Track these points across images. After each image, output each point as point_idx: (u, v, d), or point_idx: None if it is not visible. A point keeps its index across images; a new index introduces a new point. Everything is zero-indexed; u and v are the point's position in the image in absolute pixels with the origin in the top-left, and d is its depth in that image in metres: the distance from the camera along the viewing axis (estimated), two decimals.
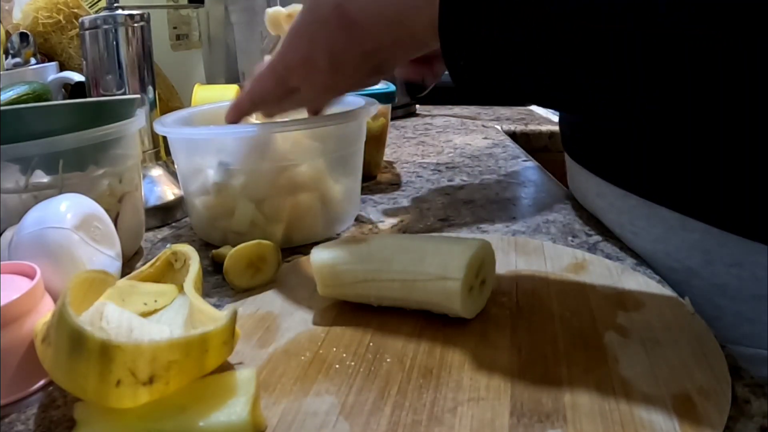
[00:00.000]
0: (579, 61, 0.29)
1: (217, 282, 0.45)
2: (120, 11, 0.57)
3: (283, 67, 0.42)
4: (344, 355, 0.33)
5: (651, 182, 0.44)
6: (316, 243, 0.51)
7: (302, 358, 0.33)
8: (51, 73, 0.88)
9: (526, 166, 0.77)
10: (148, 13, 0.60)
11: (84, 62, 0.59)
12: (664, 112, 0.29)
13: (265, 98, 0.45)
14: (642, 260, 0.45)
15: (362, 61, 0.39)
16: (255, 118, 0.59)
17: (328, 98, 0.47)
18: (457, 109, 1.24)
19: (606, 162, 0.49)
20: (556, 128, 1.07)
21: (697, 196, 0.40)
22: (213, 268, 0.48)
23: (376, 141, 0.69)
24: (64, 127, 0.44)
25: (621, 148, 0.46)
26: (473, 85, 0.33)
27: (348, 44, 0.38)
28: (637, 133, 0.43)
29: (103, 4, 0.61)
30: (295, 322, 0.37)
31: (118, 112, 0.51)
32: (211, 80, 1.00)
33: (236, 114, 0.47)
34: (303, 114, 0.50)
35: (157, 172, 0.62)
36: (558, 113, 0.62)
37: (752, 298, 0.39)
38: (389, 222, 0.56)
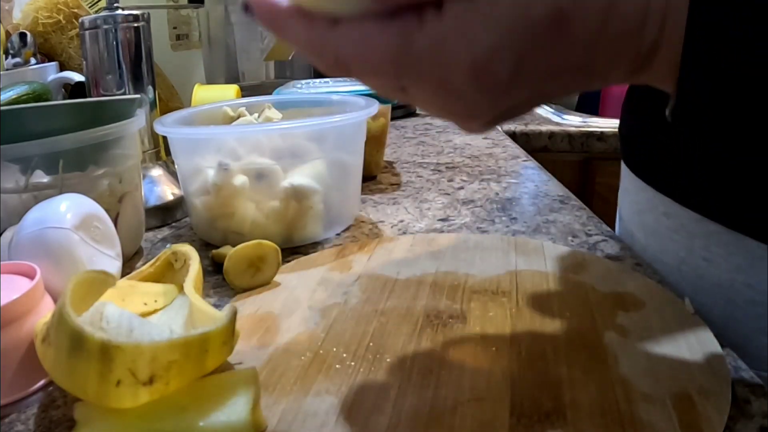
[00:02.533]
0: None
1: (217, 282, 0.45)
2: (120, 11, 0.57)
3: (429, 65, 0.25)
4: (344, 355, 0.33)
5: (737, 210, 0.39)
6: (316, 243, 0.52)
7: (302, 358, 0.33)
8: (51, 73, 0.88)
9: (526, 166, 0.77)
10: (148, 13, 0.60)
11: (84, 62, 0.59)
12: None
13: (362, 72, 0.27)
14: (642, 260, 0.45)
15: (548, 79, 0.27)
16: (257, 119, 0.59)
17: (453, 119, 0.30)
18: None
19: (681, 184, 0.44)
20: (556, 128, 1.07)
21: None
22: (213, 268, 0.48)
23: (376, 141, 0.69)
24: (64, 127, 0.44)
25: (703, 172, 0.41)
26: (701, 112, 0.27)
27: (539, 58, 0.25)
28: (726, 160, 0.38)
29: (103, 4, 0.61)
30: (295, 322, 0.37)
31: (118, 112, 0.51)
32: (211, 80, 1.00)
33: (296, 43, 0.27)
34: (303, 114, 0.50)
35: (157, 172, 0.62)
36: (620, 121, 0.54)
37: None
38: (389, 222, 0.56)
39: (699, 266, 0.43)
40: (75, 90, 0.83)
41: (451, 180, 0.70)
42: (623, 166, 0.55)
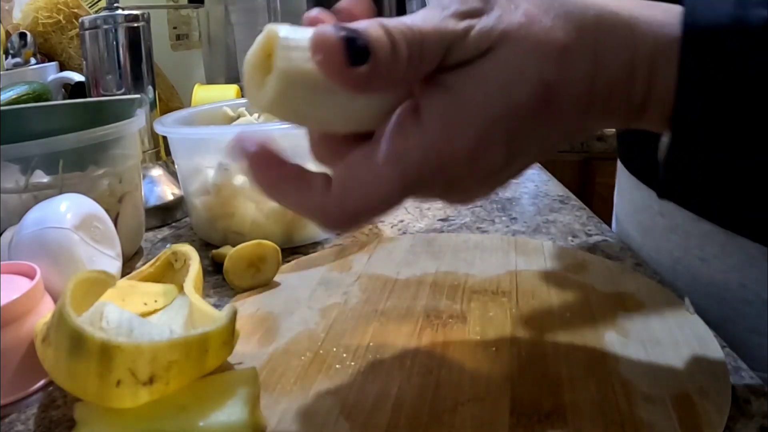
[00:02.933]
0: None
1: (217, 282, 0.45)
2: (120, 11, 0.57)
3: (428, 186, 0.25)
4: (344, 355, 0.33)
5: (732, 211, 0.39)
6: (316, 243, 0.52)
7: (302, 358, 0.33)
8: (51, 73, 0.88)
9: None
10: (148, 13, 0.60)
11: (84, 62, 0.59)
12: None
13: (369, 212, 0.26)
14: (642, 260, 0.45)
15: (538, 152, 0.27)
16: (257, 119, 0.59)
17: (455, 203, 0.31)
18: None
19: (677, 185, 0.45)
20: None
21: None
22: (213, 268, 0.47)
23: None
24: (64, 127, 0.44)
25: (698, 174, 0.41)
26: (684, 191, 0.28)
27: (527, 139, 0.25)
28: (721, 162, 0.39)
29: (103, 4, 0.61)
30: (295, 322, 0.37)
31: (118, 112, 0.51)
32: (211, 80, 1.00)
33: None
34: None
35: (157, 172, 0.62)
36: None
37: None
38: (389, 222, 0.56)
39: (694, 266, 0.44)
40: (75, 90, 0.83)
41: None
42: (619, 166, 0.55)
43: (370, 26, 0.23)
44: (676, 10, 0.24)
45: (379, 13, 0.27)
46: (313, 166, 0.27)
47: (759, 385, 0.30)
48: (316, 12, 0.26)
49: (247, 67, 0.24)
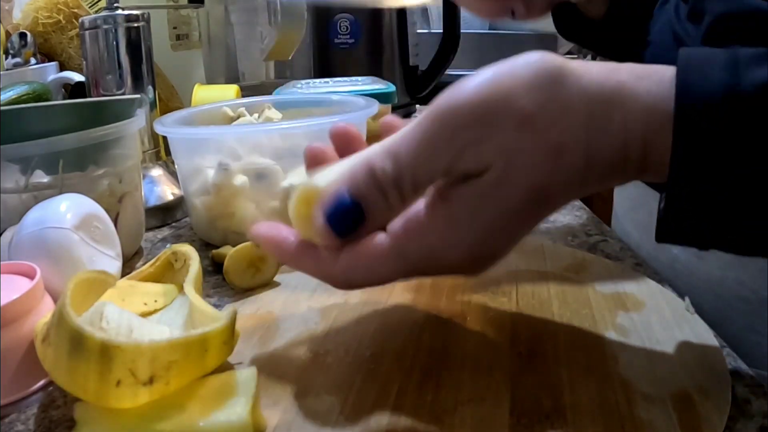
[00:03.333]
0: None
1: (217, 282, 0.45)
2: (120, 11, 0.57)
3: (405, 273, 0.28)
4: (344, 355, 0.33)
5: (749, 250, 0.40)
6: None
7: (302, 358, 0.33)
8: (51, 73, 0.88)
9: None
10: (148, 13, 0.60)
11: (84, 62, 0.59)
12: None
13: (373, 285, 0.29)
14: (642, 260, 0.45)
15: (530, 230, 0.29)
16: (257, 119, 0.59)
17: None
18: None
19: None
20: None
21: None
22: (213, 268, 0.47)
23: (376, 141, 0.69)
24: (64, 127, 0.44)
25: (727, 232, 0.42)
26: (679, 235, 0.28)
27: (521, 233, 0.28)
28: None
29: (103, 4, 0.61)
30: (295, 322, 0.37)
31: (118, 112, 0.51)
32: (211, 80, 1.00)
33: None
34: (303, 114, 0.49)
35: (157, 172, 0.62)
36: None
37: None
38: None
39: (691, 263, 0.44)
40: (75, 90, 0.83)
41: None
42: None
43: (361, 185, 0.25)
44: (669, 79, 0.25)
45: (380, 25, 0.28)
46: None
47: (759, 385, 0.30)
48: (314, 147, 0.31)
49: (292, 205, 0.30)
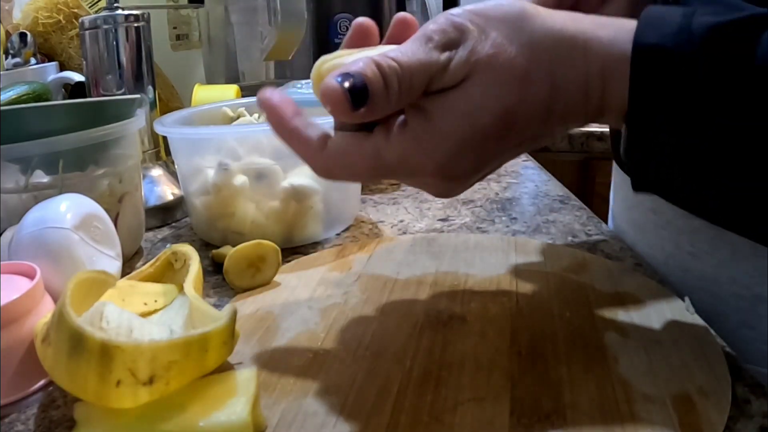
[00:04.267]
0: None
1: (217, 282, 0.45)
2: (120, 11, 0.57)
3: (386, 175, 0.31)
4: (344, 355, 0.33)
5: (721, 207, 0.39)
6: (316, 243, 0.52)
7: (302, 358, 0.33)
8: (51, 73, 0.88)
9: (526, 166, 0.77)
10: (148, 13, 0.60)
11: (84, 62, 0.59)
12: None
13: (349, 180, 0.35)
14: (642, 260, 0.45)
15: (502, 161, 0.32)
16: (257, 118, 0.59)
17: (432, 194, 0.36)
18: None
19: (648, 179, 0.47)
20: None
21: None
22: (213, 268, 0.48)
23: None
24: (64, 127, 0.44)
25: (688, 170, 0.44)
26: (651, 184, 0.30)
27: (492, 158, 0.30)
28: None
29: (103, 4, 0.61)
30: (295, 322, 0.37)
31: (118, 112, 0.51)
32: (211, 80, 1.00)
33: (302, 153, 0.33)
34: None
35: (157, 172, 0.62)
36: None
37: None
38: (389, 222, 0.56)
39: (685, 261, 0.44)
40: (75, 90, 0.83)
41: None
42: (615, 163, 0.56)
43: (366, 69, 0.27)
44: (630, 27, 0.27)
45: (380, 25, 0.32)
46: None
47: (759, 385, 0.30)
48: (363, 23, 0.32)
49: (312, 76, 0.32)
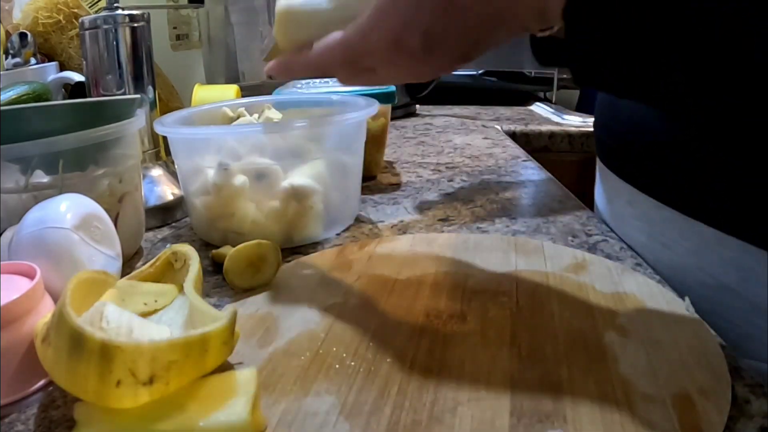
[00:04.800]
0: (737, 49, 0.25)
1: (217, 282, 0.45)
2: (120, 11, 0.57)
3: (361, 49, 0.37)
4: (344, 355, 0.33)
5: (689, 196, 0.42)
6: (316, 243, 0.52)
7: (302, 358, 0.33)
8: (51, 73, 0.88)
9: (526, 166, 0.77)
10: (148, 13, 0.60)
11: (84, 62, 0.59)
12: None
13: (328, 72, 0.40)
14: (642, 260, 0.45)
15: (457, 43, 0.34)
16: (257, 118, 0.59)
17: (407, 80, 0.41)
18: (457, 109, 1.24)
19: (642, 172, 0.48)
20: (556, 128, 1.07)
21: (735, 213, 0.39)
22: (213, 268, 0.48)
23: (376, 141, 0.69)
24: (64, 127, 0.44)
25: (660, 159, 0.45)
26: (592, 74, 0.31)
27: (447, 23, 0.33)
28: (680, 146, 0.42)
29: (103, 4, 0.61)
30: (295, 322, 0.37)
31: (118, 112, 0.51)
32: (211, 80, 1.00)
33: (284, 73, 0.42)
34: (303, 114, 0.49)
35: (157, 172, 0.62)
36: (594, 116, 0.61)
37: None
38: (389, 222, 0.56)
39: (657, 251, 0.46)
40: (75, 90, 0.83)
41: (451, 180, 0.70)
42: (597, 160, 0.58)
43: None
44: None
45: None
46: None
47: (759, 385, 0.30)
48: None
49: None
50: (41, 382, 0.33)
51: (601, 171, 0.58)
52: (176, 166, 0.54)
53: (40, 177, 0.43)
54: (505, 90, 1.35)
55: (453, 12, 0.32)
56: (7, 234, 0.39)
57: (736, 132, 0.34)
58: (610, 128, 0.54)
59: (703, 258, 0.42)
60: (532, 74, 1.32)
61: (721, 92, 0.27)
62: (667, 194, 0.45)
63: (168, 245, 0.47)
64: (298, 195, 0.49)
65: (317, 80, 0.76)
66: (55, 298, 0.35)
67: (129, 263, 0.49)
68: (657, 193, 0.46)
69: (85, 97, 0.60)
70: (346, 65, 0.38)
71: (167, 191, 0.61)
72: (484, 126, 1.06)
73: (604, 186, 0.57)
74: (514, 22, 0.33)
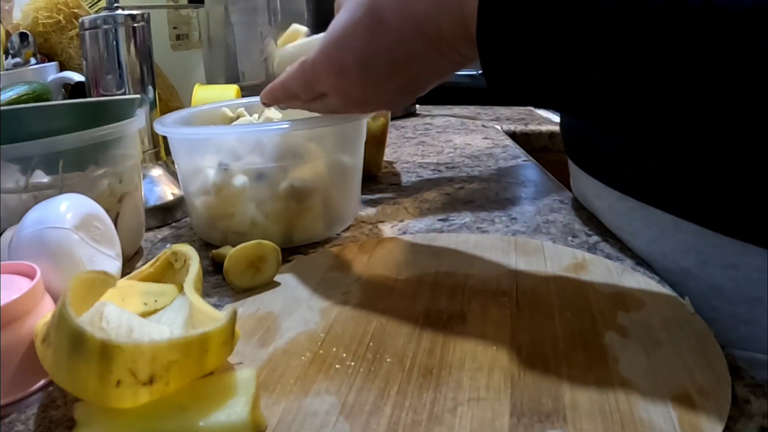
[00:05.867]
0: (645, 54, 0.26)
1: (217, 282, 0.45)
2: (120, 11, 0.57)
3: (312, 71, 0.40)
4: (344, 355, 0.33)
5: (645, 184, 0.44)
6: (316, 243, 0.52)
7: (302, 358, 0.33)
8: (51, 73, 0.88)
9: (526, 166, 0.77)
10: (148, 13, 0.60)
11: (84, 62, 0.59)
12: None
13: (292, 97, 0.44)
14: (642, 260, 0.45)
15: (393, 74, 0.37)
16: (257, 119, 0.59)
17: (357, 111, 0.45)
18: (457, 109, 1.24)
19: (603, 165, 0.49)
20: (556, 128, 1.07)
21: (690, 198, 0.40)
22: (213, 268, 0.48)
23: (376, 141, 0.69)
24: (64, 127, 0.44)
25: (617, 151, 0.46)
26: (509, 88, 0.32)
27: (378, 53, 0.36)
28: (633, 136, 0.43)
29: (103, 4, 0.61)
30: (295, 322, 0.37)
31: (118, 112, 0.51)
32: (211, 80, 1.00)
33: (270, 100, 0.47)
34: (303, 114, 0.49)
35: (157, 172, 0.62)
36: (559, 117, 0.62)
37: (747, 301, 0.39)
38: (389, 222, 0.56)
39: (626, 241, 0.48)
40: (75, 90, 0.83)
41: (451, 180, 0.70)
42: (569, 158, 0.60)
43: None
44: None
45: None
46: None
47: (759, 385, 0.30)
48: None
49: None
50: (41, 382, 0.33)
51: (571, 169, 0.60)
52: (176, 166, 0.54)
53: (40, 177, 0.43)
54: None
55: (380, 29, 0.35)
56: (7, 234, 0.39)
57: (680, 118, 0.34)
58: (571, 125, 0.56)
59: (665, 244, 0.43)
60: None
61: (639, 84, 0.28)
62: (626, 184, 0.46)
63: (168, 245, 0.47)
64: (298, 195, 0.49)
65: None
66: (55, 298, 0.35)
67: (129, 263, 0.49)
68: (617, 183, 0.47)
69: (85, 97, 0.60)
70: (304, 88, 0.42)
71: (167, 191, 0.61)
72: (484, 126, 1.06)
73: (575, 180, 0.59)
74: (441, 41, 0.34)
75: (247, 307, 0.40)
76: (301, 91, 0.43)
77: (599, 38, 0.27)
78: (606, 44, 0.27)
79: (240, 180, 0.48)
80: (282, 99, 0.46)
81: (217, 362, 0.30)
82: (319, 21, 0.89)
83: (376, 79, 0.38)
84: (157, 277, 0.40)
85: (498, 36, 0.30)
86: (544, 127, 1.08)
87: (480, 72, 0.35)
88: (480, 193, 0.64)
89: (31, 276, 0.34)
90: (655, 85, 0.27)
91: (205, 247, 0.52)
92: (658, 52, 0.26)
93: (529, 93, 0.32)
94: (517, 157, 0.81)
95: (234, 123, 0.58)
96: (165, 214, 0.60)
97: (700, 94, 0.27)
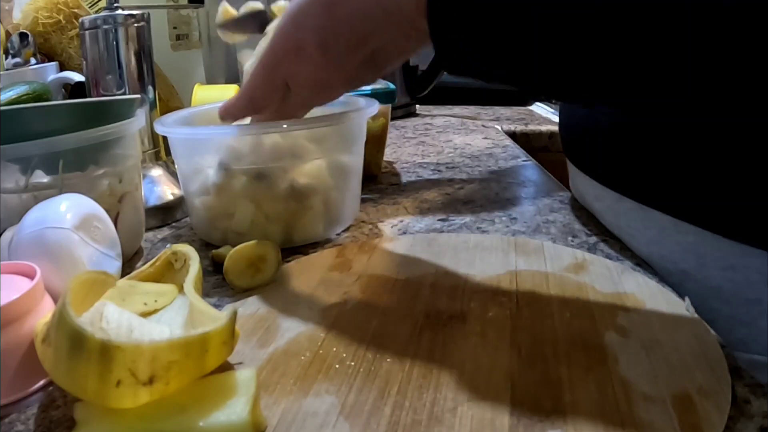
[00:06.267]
0: (598, 37, 0.27)
1: (217, 282, 0.45)
2: (120, 11, 0.57)
3: (272, 59, 0.40)
4: (344, 355, 0.33)
5: (644, 186, 0.44)
6: (316, 243, 0.52)
7: (302, 358, 0.33)
8: (51, 73, 0.88)
9: (526, 166, 0.77)
10: (148, 13, 0.60)
11: (84, 62, 0.59)
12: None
13: (257, 98, 0.43)
14: (642, 260, 0.45)
15: (353, 50, 0.37)
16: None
17: (322, 97, 0.44)
18: (457, 109, 1.24)
19: (602, 166, 0.49)
20: (556, 128, 1.07)
21: (689, 199, 0.40)
22: (213, 268, 0.48)
23: (376, 141, 0.69)
24: (64, 127, 0.44)
25: (616, 152, 0.46)
26: (462, 65, 0.32)
27: (336, 28, 0.36)
28: (631, 136, 0.43)
29: (103, 4, 0.61)
30: (295, 322, 0.37)
31: (118, 112, 0.51)
32: (211, 80, 1.00)
33: (228, 116, 0.46)
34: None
35: (157, 172, 0.62)
36: (558, 117, 0.62)
37: (746, 302, 0.39)
38: (389, 222, 0.56)
39: (625, 242, 0.48)
40: (75, 90, 0.83)
41: (451, 180, 0.70)
42: (567, 159, 0.60)
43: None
44: None
45: None
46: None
47: (759, 385, 0.30)
48: None
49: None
50: (41, 382, 0.33)
51: (570, 170, 0.60)
52: (176, 166, 0.54)
53: (40, 177, 0.43)
54: (505, 90, 1.35)
55: (339, 16, 0.35)
56: (7, 234, 0.39)
57: (681, 119, 0.35)
58: (570, 125, 0.56)
59: (664, 246, 0.43)
60: None
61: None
62: (625, 185, 0.46)
63: (168, 245, 0.47)
64: (298, 195, 0.49)
65: None
66: (55, 298, 0.35)
67: (129, 263, 0.49)
68: (616, 185, 0.47)
69: (85, 97, 0.60)
70: (265, 83, 0.41)
71: (167, 191, 0.61)
72: (484, 126, 1.06)
73: (576, 185, 0.59)
74: (400, 15, 0.34)
75: (247, 307, 0.40)
76: (264, 88, 0.42)
77: (552, 15, 0.27)
78: (556, 23, 0.28)
79: (240, 180, 0.48)
80: (243, 109, 0.45)
81: (217, 362, 0.30)
82: None
83: (337, 56, 0.37)
84: (157, 277, 0.40)
85: (447, 10, 0.30)
86: (544, 127, 1.08)
87: None
88: (480, 193, 0.64)
89: (31, 276, 0.34)
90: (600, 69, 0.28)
91: (205, 247, 0.52)
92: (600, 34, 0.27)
93: (478, 68, 0.32)
94: (517, 157, 0.81)
95: (234, 123, 0.58)
96: (165, 214, 0.60)
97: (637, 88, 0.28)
